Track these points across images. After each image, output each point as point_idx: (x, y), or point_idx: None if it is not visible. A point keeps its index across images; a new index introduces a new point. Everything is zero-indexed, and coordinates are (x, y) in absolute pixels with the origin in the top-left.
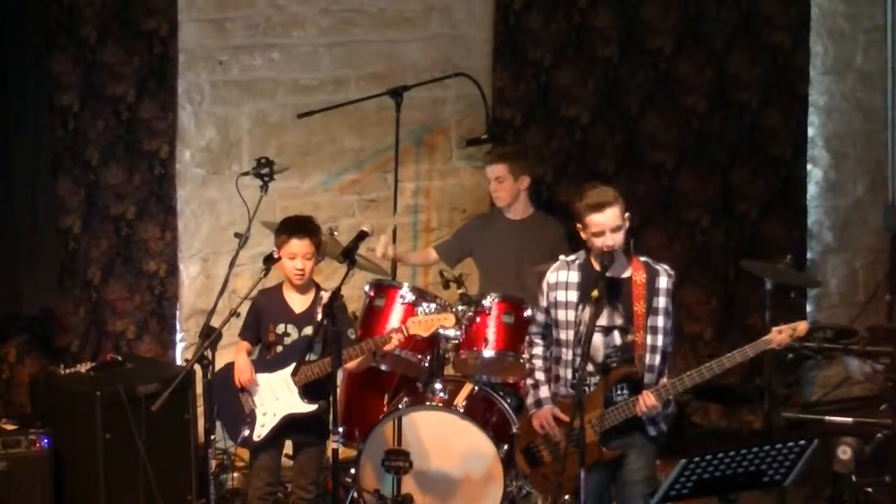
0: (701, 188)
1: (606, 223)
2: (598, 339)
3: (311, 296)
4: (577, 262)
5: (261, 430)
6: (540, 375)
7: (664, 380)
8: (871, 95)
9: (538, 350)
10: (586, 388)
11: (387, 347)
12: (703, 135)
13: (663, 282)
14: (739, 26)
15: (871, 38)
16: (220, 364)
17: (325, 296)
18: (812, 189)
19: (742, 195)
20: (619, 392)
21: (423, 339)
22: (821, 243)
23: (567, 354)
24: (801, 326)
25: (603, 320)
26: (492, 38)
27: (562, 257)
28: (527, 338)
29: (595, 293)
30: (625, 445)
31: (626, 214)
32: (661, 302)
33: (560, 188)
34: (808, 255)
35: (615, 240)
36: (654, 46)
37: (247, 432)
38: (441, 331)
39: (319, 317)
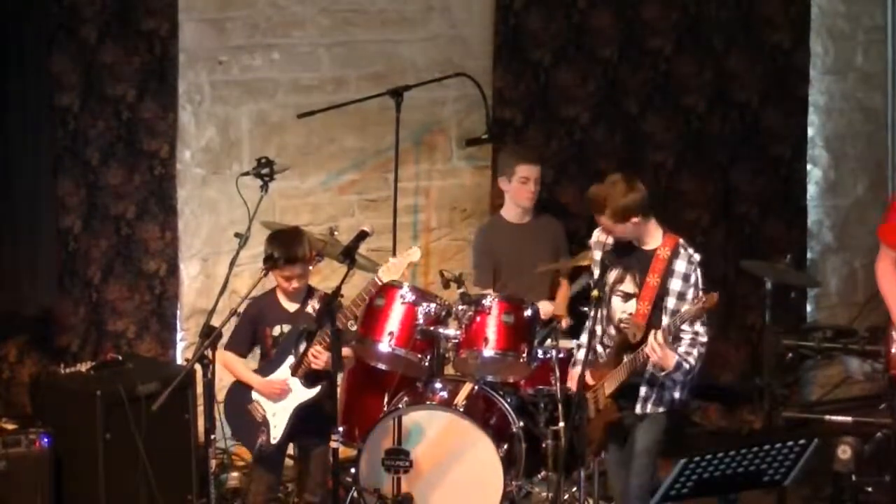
0: (701, 188)
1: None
2: (619, 303)
3: (302, 294)
4: None
5: (276, 432)
6: (584, 338)
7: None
8: (871, 95)
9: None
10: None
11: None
12: (703, 135)
13: (680, 265)
14: (739, 26)
15: (871, 38)
16: (219, 364)
17: (318, 293)
18: (812, 189)
19: (742, 195)
20: None
21: (423, 338)
22: (821, 243)
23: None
24: None
25: (627, 286)
26: (492, 38)
27: None
28: None
29: (595, 293)
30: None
31: (635, 219)
32: (676, 284)
33: (560, 188)
34: (808, 255)
35: (613, 230)
36: (654, 46)
37: (263, 438)
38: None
39: (312, 311)
